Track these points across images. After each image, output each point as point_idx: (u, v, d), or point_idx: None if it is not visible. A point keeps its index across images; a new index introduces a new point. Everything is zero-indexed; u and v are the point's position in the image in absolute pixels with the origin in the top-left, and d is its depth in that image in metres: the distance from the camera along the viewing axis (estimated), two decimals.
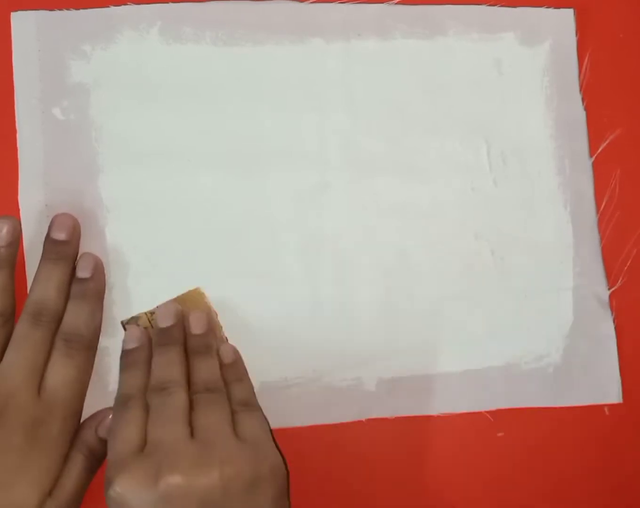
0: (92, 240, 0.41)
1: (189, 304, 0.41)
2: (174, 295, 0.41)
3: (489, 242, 0.45)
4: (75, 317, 0.38)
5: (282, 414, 0.42)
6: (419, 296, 0.44)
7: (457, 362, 0.44)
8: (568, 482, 0.44)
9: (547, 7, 0.46)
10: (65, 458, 0.37)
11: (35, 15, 0.42)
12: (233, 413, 0.37)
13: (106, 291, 0.41)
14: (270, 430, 0.37)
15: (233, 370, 0.40)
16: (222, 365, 0.40)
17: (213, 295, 0.42)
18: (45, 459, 0.36)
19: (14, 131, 0.41)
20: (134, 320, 0.41)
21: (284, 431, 0.42)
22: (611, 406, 0.45)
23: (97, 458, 0.38)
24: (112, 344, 0.41)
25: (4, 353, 0.37)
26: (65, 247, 0.39)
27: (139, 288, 0.41)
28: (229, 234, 0.43)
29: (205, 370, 0.39)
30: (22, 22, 0.42)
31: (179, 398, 0.36)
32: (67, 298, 0.39)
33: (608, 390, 0.45)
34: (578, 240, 0.45)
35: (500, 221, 0.45)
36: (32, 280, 0.39)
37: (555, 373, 0.44)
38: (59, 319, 0.38)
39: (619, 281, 0.45)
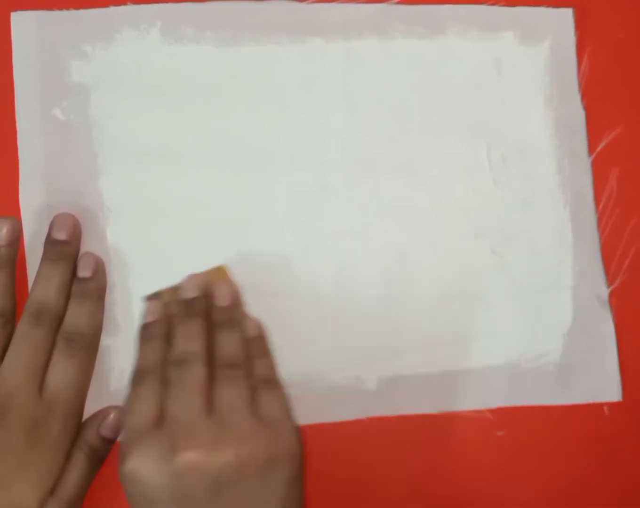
0: (93, 240, 0.41)
1: (213, 280, 0.40)
2: None
3: (489, 242, 0.45)
4: (76, 317, 0.38)
5: None
6: (419, 295, 0.44)
7: (457, 360, 0.44)
8: (568, 480, 0.44)
9: (546, 7, 0.46)
10: (67, 458, 0.37)
11: (36, 15, 0.42)
12: (253, 390, 0.36)
13: (107, 291, 0.41)
14: (290, 409, 0.37)
15: (256, 345, 0.39)
16: (245, 340, 0.39)
17: None
18: (47, 459, 0.36)
19: (14, 131, 0.41)
20: (155, 295, 0.40)
21: None
22: (611, 404, 0.45)
23: (99, 457, 0.39)
24: (113, 343, 0.41)
25: (5, 354, 0.37)
26: (66, 247, 0.39)
27: (140, 287, 0.41)
28: (229, 234, 0.43)
29: (228, 344, 0.38)
30: (22, 22, 0.42)
31: (198, 371, 0.35)
32: (68, 298, 0.39)
33: (608, 388, 0.45)
34: (577, 239, 0.45)
35: (500, 221, 0.45)
36: (33, 280, 0.39)
37: (555, 371, 0.45)
38: (60, 319, 0.38)
39: (618, 279, 0.45)
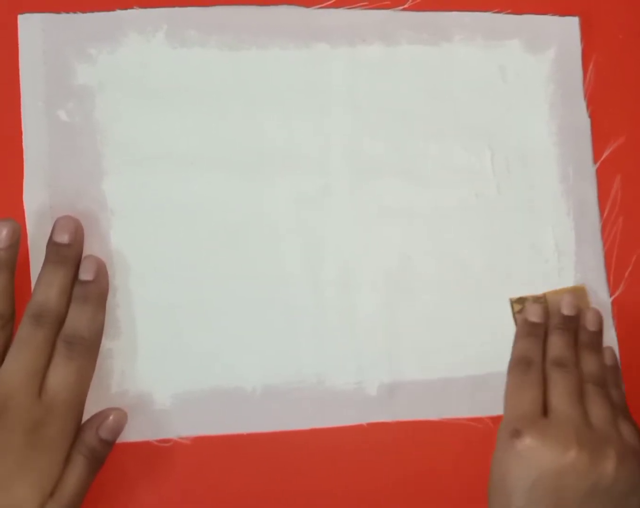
0: (96, 243, 0.41)
1: (575, 299, 0.44)
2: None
3: (491, 248, 0.45)
4: (77, 320, 0.38)
5: (283, 418, 0.42)
6: (421, 301, 0.44)
7: (458, 367, 0.44)
8: None
9: (552, 15, 0.46)
10: (66, 460, 0.37)
11: (42, 18, 0.42)
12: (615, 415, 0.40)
13: (110, 294, 0.41)
14: None
15: (612, 373, 0.43)
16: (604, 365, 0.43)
17: (214, 297, 0.42)
18: (46, 461, 0.36)
19: (19, 133, 0.41)
20: (521, 300, 0.44)
21: (285, 434, 0.42)
22: None
23: (98, 460, 0.39)
24: (114, 346, 0.41)
25: (4, 356, 0.38)
26: (68, 250, 0.39)
27: (142, 291, 0.42)
28: (232, 237, 0.43)
29: (595, 364, 0.42)
30: (28, 24, 0.42)
31: (577, 378, 0.40)
32: (69, 300, 0.39)
33: None
34: (580, 246, 0.45)
35: (503, 227, 0.45)
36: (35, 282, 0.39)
37: None
38: (61, 321, 0.38)
39: (621, 287, 0.45)
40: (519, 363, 0.42)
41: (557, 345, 0.42)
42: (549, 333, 0.43)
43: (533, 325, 0.43)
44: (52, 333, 0.38)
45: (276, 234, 0.43)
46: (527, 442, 0.37)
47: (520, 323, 0.44)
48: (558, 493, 0.36)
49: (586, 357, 0.42)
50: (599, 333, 0.44)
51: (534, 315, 0.43)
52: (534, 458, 0.37)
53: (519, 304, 0.44)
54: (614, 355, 0.44)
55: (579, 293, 0.45)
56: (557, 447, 0.36)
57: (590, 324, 0.44)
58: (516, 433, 0.37)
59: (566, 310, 0.43)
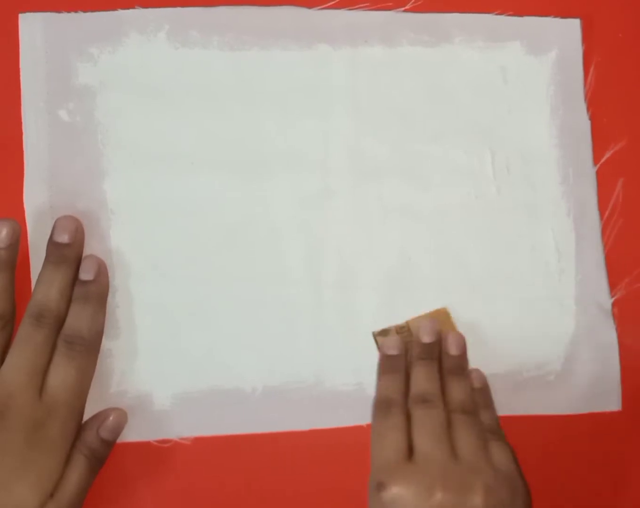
0: (96, 243, 0.41)
1: (437, 322, 0.43)
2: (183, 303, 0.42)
3: (491, 249, 0.45)
4: (77, 319, 0.38)
5: (283, 418, 0.42)
6: (421, 302, 0.44)
7: None
8: (567, 490, 0.44)
9: (553, 17, 0.46)
10: (67, 460, 0.37)
11: (43, 17, 0.42)
12: (484, 439, 0.38)
13: (110, 294, 0.41)
14: (517, 462, 0.38)
15: (482, 396, 0.41)
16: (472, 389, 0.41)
17: (214, 297, 0.42)
18: (47, 461, 0.36)
19: (20, 132, 0.41)
20: (384, 332, 0.43)
21: (284, 435, 0.42)
22: (611, 414, 0.45)
23: (99, 460, 0.39)
24: (114, 346, 0.41)
25: (4, 356, 0.38)
26: (68, 250, 0.39)
27: (143, 291, 0.42)
28: (232, 238, 0.43)
29: (460, 391, 0.40)
30: (29, 24, 0.42)
31: (441, 413, 0.38)
32: (69, 300, 0.39)
33: (609, 398, 0.45)
34: (581, 248, 0.45)
35: (503, 229, 0.45)
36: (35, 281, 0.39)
37: (557, 381, 0.44)
38: (61, 321, 0.38)
39: (621, 290, 0.45)
40: (380, 406, 0.39)
41: (418, 379, 0.40)
42: (411, 365, 0.41)
43: (391, 358, 0.41)
44: (52, 333, 0.38)
45: (276, 234, 0.43)
46: (392, 492, 0.35)
47: (380, 359, 0.42)
48: None
49: (451, 384, 0.40)
50: (462, 356, 0.42)
51: (391, 348, 0.42)
52: (401, 507, 0.35)
53: (382, 336, 0.43)
54: (482, 376, 0.42)
55: (441, 316, 0.43)
56: (422, 491, 0.35)
57: (452, 348, 0.42)
58: (381, 486, 0.35)
59: (426, 338, 0.42)
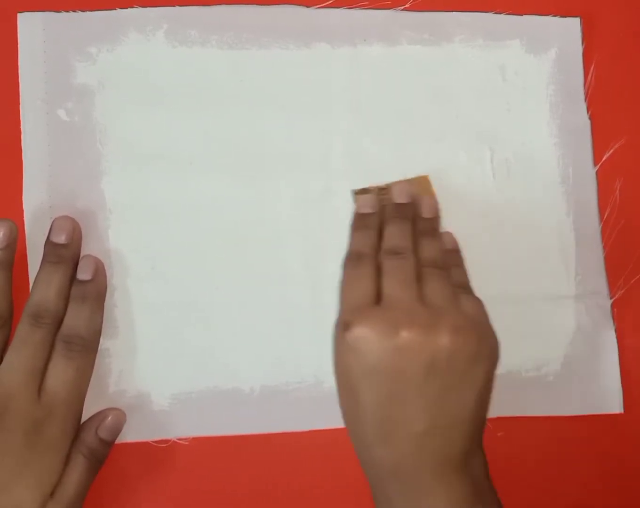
0: (95, 242, 0.41)
1: (416, 188, 0.43)
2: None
3: (491, 249, 0.45)
4: (75, 319, 0.38)
5: (282, 418, 0.42)
6: None
7: None
8: (568, 492, 0.44)
9: (553, 16, 0.46)
10: (66, 460, 0.37)
11: (42, 17, 0.42)
12: (454, 292, 0.38)
13: (108, 293, 0.41)
14: (488, 315, 0.38)
15: (453, 256, 0.41)
16: (444, 250, 0.41)
17: (213, 297, 0.42)
18: (46, 461, 0.36)
19: (18, 132, 0.41)
20: (363, 190, 0.43)
21: (284, 435, 0.42)
22: (612, 416, 0.45)
23: (98, 460, 0.39)
24: (112, 346, 0.41)
25: (2, 356, 0.38)
26: (65, 250, 0.39)
27: (141, 290, 0.42)
28: (232, 238, 0.43)
29: (432, 249, 0.40)
30: (28, 23, 0.42)
31: (412, 264, 0.38)
32: (67, 300, 0.39)
33: (609, 399, 0.45)
34: (580, 248, 0.45)
35: (502, 228, 0.45)
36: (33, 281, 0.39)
37: (556, 382, 0.44)
38: (59, 321, 0.38)
39: (621, 290, 0.45)
40: (351, 258, 0.39)
41: (390, 234, 0.40)
42: (384, 224, 0.41)
43: (364, 216, 0.42)
44: (50, 333, 0.38)
45: (276, 234, 0.43)
46: (357, 332, 0.34)
47: (353, 217, 0.42)
48: (397, 375, 0.34)
49: (423, 243, 0.40)
50: (435, 219, 0.42)
51: (364, 206, 0.42)
52: (365, 347, 0.34)
53: (361, 195, 0.43)
54: (454, 239, 0.42)
55: (423, 183, 0.43)
56: (387, 331, 0.34)
57: (425, 211, 0.42)
58: (346, 326, 0.35)
59: (399, 198, 0.42)
